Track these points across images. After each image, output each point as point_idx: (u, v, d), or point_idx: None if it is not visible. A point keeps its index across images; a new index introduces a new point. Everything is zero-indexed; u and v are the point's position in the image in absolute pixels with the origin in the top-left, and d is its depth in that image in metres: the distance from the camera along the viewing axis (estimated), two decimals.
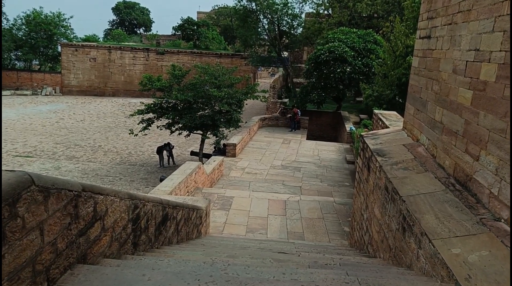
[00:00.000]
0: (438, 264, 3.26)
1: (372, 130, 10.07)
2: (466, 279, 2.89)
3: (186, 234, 5.77)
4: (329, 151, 17.75)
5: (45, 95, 40.21)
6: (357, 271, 3.65)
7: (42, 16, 42.38)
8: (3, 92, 38.63)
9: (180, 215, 5.26)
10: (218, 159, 13.15)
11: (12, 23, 42.00)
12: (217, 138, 18.01)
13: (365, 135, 6.75)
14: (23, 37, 42.31)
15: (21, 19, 42.41)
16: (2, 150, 21.85)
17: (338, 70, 20.27)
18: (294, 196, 10.81)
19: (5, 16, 40.40)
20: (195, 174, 10.47)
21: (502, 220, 3.53)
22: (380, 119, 8.93)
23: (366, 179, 6.41)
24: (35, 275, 1.93)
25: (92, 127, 28.91)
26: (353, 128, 18.98)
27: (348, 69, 20.31)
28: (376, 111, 10.50)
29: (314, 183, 12.93)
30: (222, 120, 17.64)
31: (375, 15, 27.68)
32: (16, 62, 43.83)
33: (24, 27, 42.58)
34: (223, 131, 18.20)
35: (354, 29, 23.45)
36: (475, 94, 4.11)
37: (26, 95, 39.24)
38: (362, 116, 23.24)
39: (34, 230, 1.93)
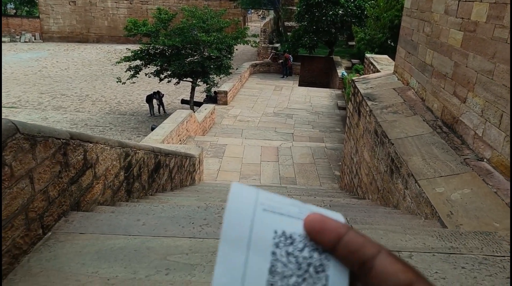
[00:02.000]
0: (422, 202, 3.41)
1: (364, 75, 9.98)
2: (448, 215, 3.05)
3: (180, 181, 5.89)
4: (320, 97, 17.68)
5: (25, 41, 38.44)
6: (346, 211, 3.81)
7: None
8: None
9: (173, 163, 5.33)
10: (209, 107, 13.07)
11: None
12: (208, 85, 17.72)
13: (356, 80, 6.70)
14: None
15: None
16: None
17: (330, 13, 19.54)
18: (286, 142, 10.95)
19: None
20: (187, 122, 10.45)
21: (485, 160, 3.65)
22: (372, 63, 8.82)
23: (356, 123, 6.48)
24: (28, 222, 1.97)
25: (77, 76, 28.12)
26: (345, 73, 18.77)
27: (340, 12, 19.59)
28: (367, 55, 10.32)
29: (306, 130, 13.04)
30: (212, 66, 17.23)
31: None
32: None
33: None
34: (213, 78, 17.85)
35: None
36: (465, 35, 4.04)
37: (4, 42, 37.48)
38: (354, 61, 22.87)
39: (24, 178, 1.93)
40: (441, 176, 3.60)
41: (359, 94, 6.27)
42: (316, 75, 24.07)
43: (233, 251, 0.29)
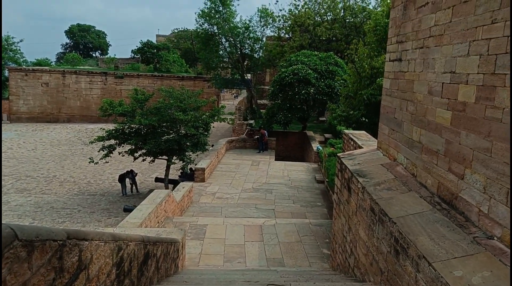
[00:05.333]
0: None
1: (344, 150, 10.21)
2: None
3: (165, 270, 5.40)
4: (298, 171, 17.82)
5: None
6: None
7: None
8: None
9: (160, 251, 4.92)
10: (187, 185, 12.73)
11: None
12: (184, 162, 17.55)
13: (342, 156, 6.77)
14: None
15: None
16: None
17: (303, 92, 20.73)
18: (269, 219, 10.62)
19: None
20: (165, 202, 10.03)
21: (495, 238, 3.55)
22: (352, 139, 9.06)
23: (346, 200, 6.38)
24: None
25: (45, 156, 27.27)
26: (320, 148, 19.26)
27: (312, 90, 20.83)
28: (346, 131, 10.68)
29: (287, 205, 12.83)
30: (188, 144, 17.27)
31: (334, 38, 28.92)
32: None
33: None
34: (190, 155, 17.78)
35: (315, 52, 24.26)
36: (454, 114, 4.20)
37: None
38: (326, 135, 23.76)
39: None
40: (455, 258, 3.45)
41: (347, 170, 6.27)
42: (291, 149, 24.61)
43: None
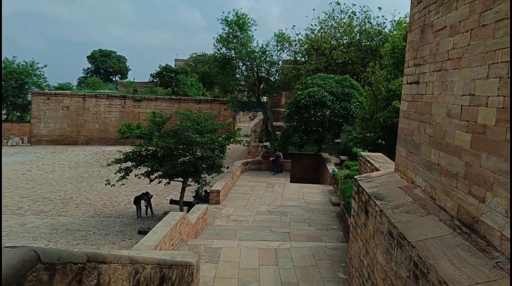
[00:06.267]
0: None
1: (360, 173, 10.10)
2: None
3: None
4: (313, 194, 17.65)
5: (11, 145, 38.67)
6: None
7: (14, 66, 41.87)
8: None
9: (175, 275, 4.89)
10: (202, 207, 12.72)
11: None
12: (199, 184, 17.61)
13: (358, 178, 6.70)
14: None
15: None
16: None
17: (319, 114, 20.81)
18: (284, 243, 10.47)
19: None
20: (180, 225, 10.02)
21: None
22: (368, 161, 8.98)
23: (364, 223, 6.27)
24: None
25: (62, 178, 27.73)
26: (335, 170, 19.11)
27: (327, 113, 20.90)
28: (362, 153, 10.60)
29: (302, 228, 12.65)
30: (204, 166, 17.37)
31: (350, 61, 29.20)
32: None
33: None
34: (205, 177, 17.85)
35: (331, 75, 24.46)
36: (474, 137, 4.15)
37: None
38: (342, 157, 23.59)
39: None
40: (477, 284, 3.34)
41: (364, 193, 6.20)
42: (306, 172, 24.45)
43: None
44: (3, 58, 42.33)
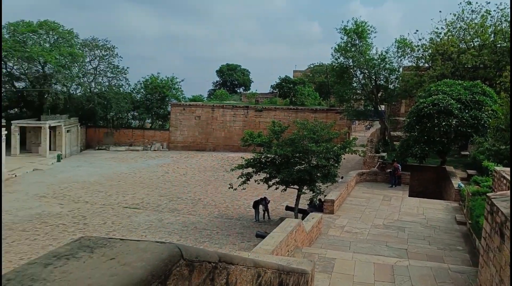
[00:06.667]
0: None
1: (494, 190, 9.06)
2: None
3: None
4: (435, 210, 16.28)
5: (154, 150, 44.85)
6: None
7: (158, 81, 48.85)
8: (119, 148, 44.05)
9: (291, 282, 4.95)
10: (317, 216, 12.95)
11: (132, 88, 49.16)
12: (314, 193, 17.93)
13: (492, 196, 6.14)
14: (141, 99, 49.03)
15: (140, 83, 49.49)
16: (115, 201, 24.44)
17: (443, 123, 19.07)
18: (401, 260, 10.01)
19: (127, 81, 47.54)
20: (295, 232, 10.35)
21: None
22: (504, 177, 8.06)
23: (498, 247, 5.73)
24: None
25: (193, 181, 31.01)
26: (462, 185, 17.32)
27: (454, 122, 18.98)
28: (497, 168, 9.51)
29: (422, 246, 11.84)
30: (319, 174, 17.65)
31: (481, 65, 26.03)
32: (131, 121, 50.40)
33: (142, 90, 49.46)
34: (320, 186, 18.10)
35: (459, 81, 22.21)
36: None
37: (137, 150, 44.17)
38: (470, 171, 21.20)
39: None
40: None
41: (499, 213, 5.66)
42: (427, 185, 22.60)
43: None
44: (151, 74, 49.76)
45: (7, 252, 15.63)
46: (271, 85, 51.19)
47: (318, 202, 17.96)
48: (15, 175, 29.10)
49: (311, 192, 17.88)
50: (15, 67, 40.80)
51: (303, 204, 20.47)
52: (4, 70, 39.64)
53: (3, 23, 39.67)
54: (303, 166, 17.96)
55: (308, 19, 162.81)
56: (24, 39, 39.52)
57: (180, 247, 1.83)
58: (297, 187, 18.49)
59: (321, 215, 13.35)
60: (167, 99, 48.86)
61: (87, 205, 23.30)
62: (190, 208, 23.49)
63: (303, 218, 14.64)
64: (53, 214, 21.15)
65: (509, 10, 25.50)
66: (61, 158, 36.85)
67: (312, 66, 60.54)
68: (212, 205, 24.20)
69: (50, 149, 36.68)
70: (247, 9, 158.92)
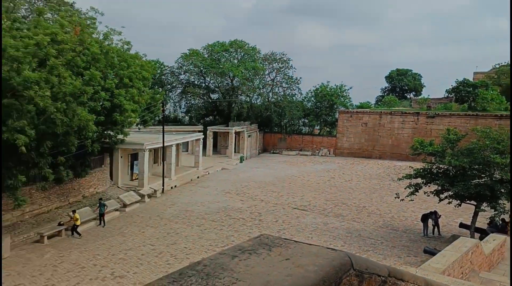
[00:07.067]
0: None
1: None
2: None
3: None
4: None
5: (321, 155, 46.76)
6: None
7: (327, 89, 50.82)
8: (290, 152, 48.07)
9: None
10: (499, 238, 11.53)
11: (304, 96, 52.48)
12: (496, 211, 15.77)
13: None
14: (311, 107, 51.95)
15: (311, 92, 52.42)
16: (285, 201, 26.61)
17: None
18: None
19: (299, 91, 51.18)
20: (472, 253, 9.52)
21: None
22: None
23: None
24: None
25: (358, 188, 30.97)
26: None
27: None
28: None
29: None
30: (503, 190, 15.44)
31: None
32: (302, 128, 53.75)
33: (312, 99, 52.29)
34: (504, 204, 15.79)
35: None
36: None
37: (306, 155, 47.11)
38: None
39: None
40: None
41: None
42: None
43: None
44: (321, 83, 52.19)
45: (200, 238, 18.98)
46: (446, 90, 46.27)
47: (501, 222, 15.70)
48: (208, 173, 35.19)
49: (493, 210, 15.74)
50: (211, 81, 50.03)
51: (481, 222, 18.12)
52: (203, 84, 49.94)
53: (203, 45, 51.39)
54: (483, 180, 16.01)
55: (496, 15, 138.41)
56: (219, 57, 47.89)
57: (350, 256, 1.85)
58: (475, 203, 16.55)
59: (505, 238, 11.84)
60: (335, 107, 50.33)
61: (262, 203, 26.22)
62: (355, 215, 23.67)
63: (481, 239, 13.21)
64: (235, 208, 24.61)
65: None
66: (243, 160, 42.59)
67: (497, 66, 51.87)
68: (377, 214, 23.81)
69: (234, 152, 42.93)
70: (422, 10, 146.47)
